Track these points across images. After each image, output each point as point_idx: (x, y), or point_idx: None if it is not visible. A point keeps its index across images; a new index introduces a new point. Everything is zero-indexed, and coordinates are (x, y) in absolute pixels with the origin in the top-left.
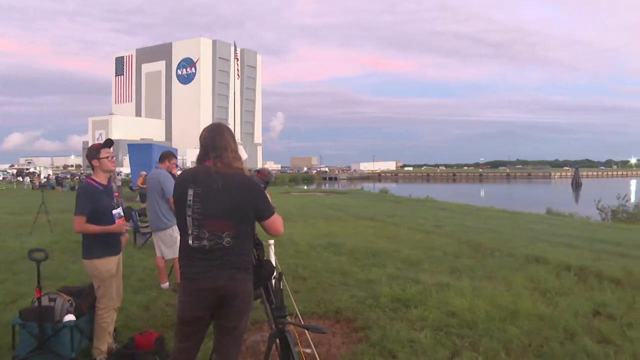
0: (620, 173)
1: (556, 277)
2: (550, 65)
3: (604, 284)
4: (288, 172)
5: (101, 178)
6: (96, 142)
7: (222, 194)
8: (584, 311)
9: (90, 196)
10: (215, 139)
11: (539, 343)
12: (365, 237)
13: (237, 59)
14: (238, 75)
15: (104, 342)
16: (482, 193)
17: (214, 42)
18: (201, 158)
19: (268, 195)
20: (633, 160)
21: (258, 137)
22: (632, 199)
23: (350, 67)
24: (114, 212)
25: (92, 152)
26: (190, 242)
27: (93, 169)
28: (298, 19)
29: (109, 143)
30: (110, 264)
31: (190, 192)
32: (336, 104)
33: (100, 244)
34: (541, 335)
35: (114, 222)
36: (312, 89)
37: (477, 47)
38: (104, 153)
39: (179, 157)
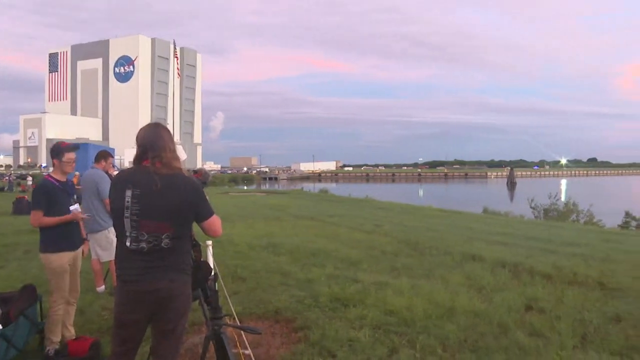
0: (552, 173)
1: (491, 274)
2: (488, 68)
3: (536, 279)
4: (228, 172)
5: (59, 176)
6: (62, 141)
7: (161, 195)
8: (517, 306)
9: (47, 192)
10: (154, 139)
11: (475, 338)
12: (304, 237)
13: (176, 57)
14: (178, 74)
15: (56, 334)
16: (421, 193)
17: (153, 40)
18: (139, 158)
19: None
20: (563, 161)
21: (198, 137)
22: (563, 198)
23: (292, 67)
24: (71, 208)
25: (56, 151)
26: (127, 244)
27: (53, 165)
28: (240, 19)
29: (74, 148)
30: (64, 259)
31: (129, 193)
32: (277, 104)
33: (57, 239)
34: (477, 330)
35: None
36: (253, 88)
37: (419, 49)
38: (67, 157)
39: (116, 157)
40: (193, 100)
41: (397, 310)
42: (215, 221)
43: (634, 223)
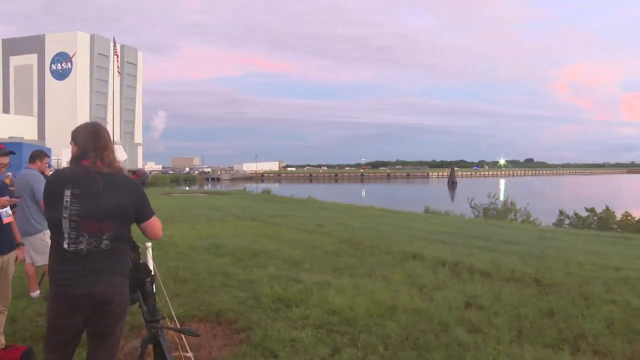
0: (491, 173)
1: (432, 272)
2: (429, 70)
3: (475, 277)
4: (169, 172)
5: None
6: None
7: (103, 195)
8: (457, 303)
9: None
10: (96, 138)
11: (416, 336)
12: (247, 237)
13: (117, 55)
14: (118, 72)
15: None
16: (363, 193)
17: (92, 37)
18: (78, 157)
19: None
20: (502, 161)
21: (138, 137)
22: (501, 197)
23: (235, 67)
24: (1, 210)
25: None
26: (65, 245)
27: None
28: (183, 17)
29: (7, 153)
30: None
31: (68, 192)
32: (220, 104)
33: None
34: (418, 328)
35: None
36: (196, 88)
37: (361, 50)
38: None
39: (53, 157)
40: (134, 99)
41: (339, 310)
42: (155, 222)
43: (567, 221)
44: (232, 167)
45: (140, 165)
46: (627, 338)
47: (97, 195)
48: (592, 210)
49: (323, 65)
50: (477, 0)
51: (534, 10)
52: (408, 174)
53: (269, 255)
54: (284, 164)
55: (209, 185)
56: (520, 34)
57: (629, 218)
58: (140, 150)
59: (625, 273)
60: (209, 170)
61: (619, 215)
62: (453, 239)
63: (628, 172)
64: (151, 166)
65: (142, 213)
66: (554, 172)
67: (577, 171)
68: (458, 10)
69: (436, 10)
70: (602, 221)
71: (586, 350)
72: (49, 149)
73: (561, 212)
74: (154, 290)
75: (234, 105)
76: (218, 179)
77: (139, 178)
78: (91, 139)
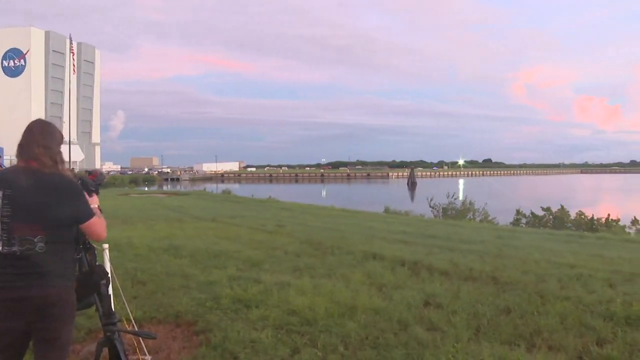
0: (450, 173)
1: (392, 272)
2: (389, 71)
3: (434, 275)
4: (128, 173)
5: None
6: None
7: (33, 196)
8: (416, 302)
9: None
10: (31, 137)
11: (375, 335)
12: (206, 238)
13: (73, 53)
14: (74, 70)
15: None
16: (324, 193)
17: (47, 33)
18: (17, 156)
19: (95, 198)
20: (461, 162)
21: (96, 137)
22: (460, 197)
23: (195, 67)
24: None
25: None
26: (0, 248)
27: None
28: (142, 15)
29: None
30: None
31: (0, 193)
32: (180, 104)
33: None
34: (377, 327)
35: None
36: (155, 87)
37: (322, 50)
38: None
39: (6, 157)
40: (91, 98)
41: (299, 310)
42: (94, 223)
43: (524, 220)
44: (192, 168)
45: (98, 166)
46: (579, 333)
47: (27, 196)
48: (547, 209)
49: (284, 65)
50: (437, 2)
51: (493, 13)
52: (368, 174)
53: (229, 256)
54: (244, 164)
55: (169, 186)
56: (480, 36)
57: (583, 217)
58: (98, 150)
59: (578, 270)
60: (169, 170)
61: (573, 214)
62: (412, 239)
63: (582, 172)
64: (109, 166)
65: (79, 214)
66: (512, 172)
67: (533, 171)
68: (418, 11)
69: (397, 12)
70: (557, 220)
71: (541, 346)
72: (1, 149)
73: (518, 212)
74: (110, 292)
75: (194, 105)
76: (177, 180)
77: (96, 179)
78: (28, 138)
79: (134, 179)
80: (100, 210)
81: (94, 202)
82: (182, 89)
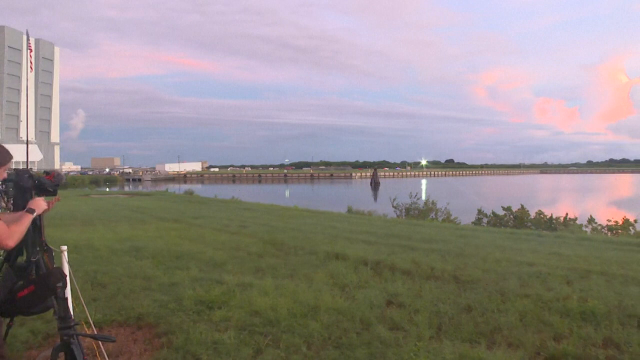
0: (413, 173)
1: (354, 271)
2: (351, 72)
3: (397, 275)
4: (89, 173)
5: None
6: None
7: None
8: (379, 302)
9: None
10: None
11: (338, 335)
12: (169, 239)
13: (30, 49)
14: (31, 67)
15: None
16: (287, 193)
17: (2, 29)
18: None
19: (37, 201)
20: (424, 162)
21: (55, 136)
22: (423, 197)
23: (156, 65)
24: None
25: None
26: None
27: None
28: (103, 12)
29: None
30: None
31: None
32: (142, 103)
33: None
34: (340, 327)
35: None
36: (116, 86)
37: (284, 51)
38: None
39: None
40: (50, 97)
41: (262, 311)
42: None
43: (485, 219)
44: (154, 168)
45: (57, 166)
46: (538, 329)
47: None
48: (508, 209)
49: (247, 65)
50: (399, 4)
51: (451, 16)
52: (331, 175)
53: (192, 257)
54: (207, 165)
55: (130, 187)
56: (441, 39)
57: (542, 216)
58: (57, 150)
59: (538, 268)
60: (130, 171)
61: (532, 214)
62: (375, 239)
63: (541, 173)
64: (69, 167)
65: None
66: (474, 172)
67: (494, 171)
68: (381, 13)
69: (360, 13)
70: (517, 219)
71: (501, 343)
72: None
73: (479, 211)
74: (68, 295)
75: (156, 105)
76: (140, 180)
77: (54, 179)
78: None
79: (95, 180)
80: (44, 212)
81: (36, 204)
82: (144, 88)
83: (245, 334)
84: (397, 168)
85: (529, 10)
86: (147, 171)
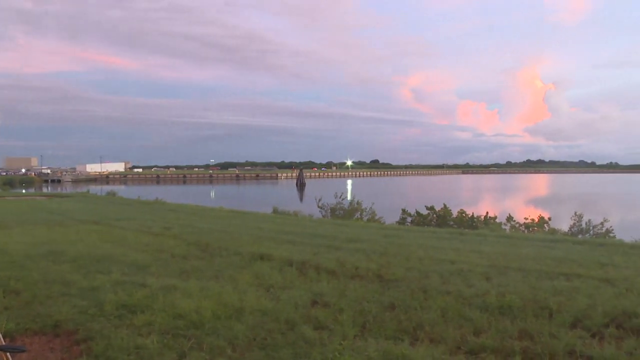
0: (338, 174)
1: (279, 272)
2: (279, 72)
3: (322, 275)
4: (3, 174)
5: None
6: None
7: None
8: (304, 302)
9: None
10: None
11: (263, 336)
12: (89, 242)
13: None
14: None
15: None
16: (213, 194)
17: None
18: None
19: None
20: (349, 163)
21: None
22: (348, 197)
23: (75, 62)
24: None
25: None
26: None
27: None
28: (17, 4)
29: None
30: None
31: None
32: (60, 101)
33: None
34: (265, 328)
35: None
36: (32, 82)
37: (209, 50)
38: None
39: None
40: None
41: (186, 314)
42: None
43: (409, 219)
44: (75, 169)
45: None
46: (459, 324)
47: None
48: (431, 208)
49: (171, 64)
50: (326, 6)
51: (375, 18)
52: (257, 175)
53: (114, 260)
54: (130, 165)
55: (49, 188)
56: (368, 41)
57: (464, 215)
58: None
59: (459, 266)
60: (49, 171)
61: (455, 213)
62: (301, 239)
63: (463, 173)
64: None
65: None
66: (398, 172)
67: (419, 172)
68: (309, 14)
69: (287, 14)
70: (440, 218)
71: (423, 339)
72: None
73: (404, 211)
74: None
75: (75, 103)
76: (59, 181)
77: None
78: None
79: (10, 181)
80: None
81: None
82: (62, 85)
83: (168, 337)
84: (323, 169)
85: (450, 16)
86: (67, 172)
